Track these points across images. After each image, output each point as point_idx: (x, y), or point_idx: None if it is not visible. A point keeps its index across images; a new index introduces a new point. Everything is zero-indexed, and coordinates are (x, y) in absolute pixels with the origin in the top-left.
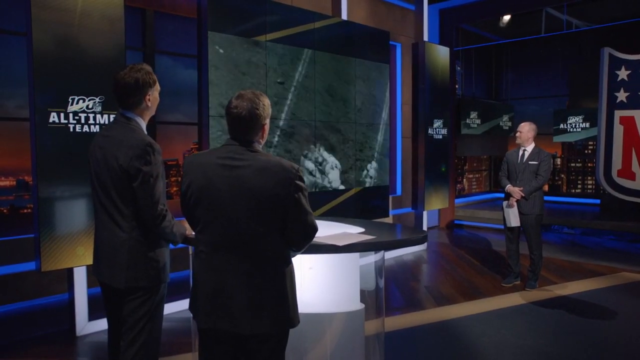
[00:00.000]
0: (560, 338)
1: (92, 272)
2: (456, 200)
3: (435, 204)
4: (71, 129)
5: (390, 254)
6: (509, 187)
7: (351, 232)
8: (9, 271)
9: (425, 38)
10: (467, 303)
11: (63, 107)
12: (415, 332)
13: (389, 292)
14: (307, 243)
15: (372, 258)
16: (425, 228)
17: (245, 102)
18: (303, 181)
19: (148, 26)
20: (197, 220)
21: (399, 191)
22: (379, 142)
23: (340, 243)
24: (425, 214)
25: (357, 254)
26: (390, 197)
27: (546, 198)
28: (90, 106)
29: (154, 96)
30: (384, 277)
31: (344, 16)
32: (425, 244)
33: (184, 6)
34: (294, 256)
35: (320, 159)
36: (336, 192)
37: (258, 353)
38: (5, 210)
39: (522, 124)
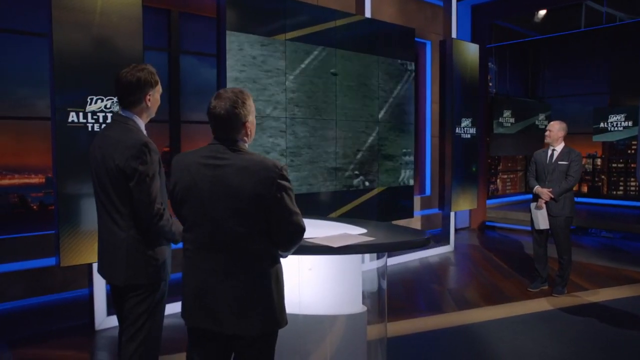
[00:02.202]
0: (585, 348)
1: (97, 271)
2: (489, 201)
3: (463, 205)
4: (89, 128)
5: (415, 256)
6: (537, 188)
7: (352, 233)
8: (37, 265)
9: (454, 35)
10: (490, 307)
11: (82, 107)
12: (428, 337)
13: (409, 294)
14: (294, 244)
15: (375, 260)
16: (452, 229)
17: (223, 101)
18: (287, 180)
19: (173, 27)
20: (184, 219)
21: (428, 191)
22: (404, 141)
23: (336, 244)
24: (453, 214)
25: (359, 256)
26: (420, 197)
27: (585, 200)
28: (108, 105)
29: (154, 97)
30: (386, 279)
31: (368, 14)
32: (453, 245)
33: (208, 6)
34: (284, 257)
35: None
36: (359, 192)
37: (245, 353)
38: (34, 207)
39: (552, 122)
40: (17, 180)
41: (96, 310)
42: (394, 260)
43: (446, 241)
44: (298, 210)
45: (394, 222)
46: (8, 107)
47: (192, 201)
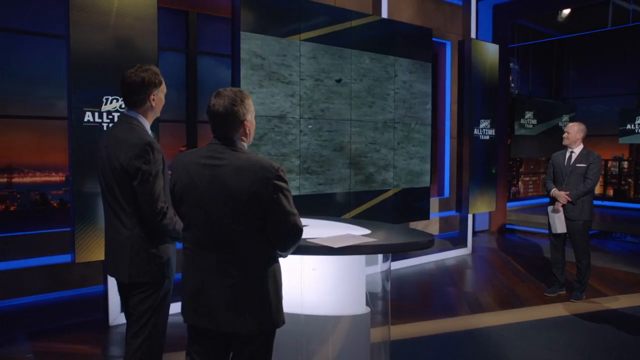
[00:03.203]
0: (599, 356)
1: (104, 268)
2: (510, 204)
3: (481, 207)
4: (104, 128)
5: (432, 258)
6: (554, 191)
7: (355, 233)
8: (56, 261)
9: (473, 35)
10: (503, 312)
11: (97, 107)
12: (436, 340)
13: (423, 297)
14: (292, 244)
15: (379, 262)
16: (470, 232)
17: (222, 99)
18: (284, 181)
19: (191, 28)
20: (183, 218)
21: (447, 193)
22: (421, 142)
23: (336, 245)
24: (470, 217)
25: (363, 257)
26: (438, 199)
27: (611, 204)
28: (122, 106)
29: (158, 97)
30: (390, 281)
31: (385, 14)
32: (470, 248)
33: (225, 7)
34: (283, 257)
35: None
36: (374, 193)
37: (243, 351)
38: (55, 204)
39: (571, 124)
40: (38, 178)
41: (110, 306)
42: (410, 262)
43: (464, 244)
44: (295, 211)
45: (411, 224)
46: (30, 107)
47: (190, 200)
